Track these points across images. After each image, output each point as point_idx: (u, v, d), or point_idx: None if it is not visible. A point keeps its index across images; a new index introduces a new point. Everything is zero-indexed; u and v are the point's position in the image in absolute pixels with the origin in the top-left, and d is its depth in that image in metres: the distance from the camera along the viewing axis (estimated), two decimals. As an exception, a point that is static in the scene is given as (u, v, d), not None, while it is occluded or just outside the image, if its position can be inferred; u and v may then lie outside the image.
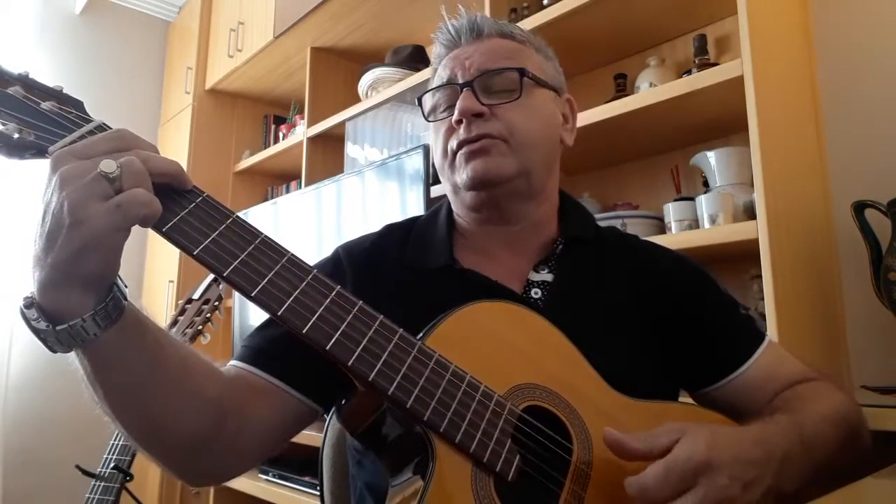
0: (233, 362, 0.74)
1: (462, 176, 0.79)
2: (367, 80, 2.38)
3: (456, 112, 0.79)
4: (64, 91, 0.62)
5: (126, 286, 0.56)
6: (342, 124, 2.48)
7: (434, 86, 0.85)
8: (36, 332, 0.52)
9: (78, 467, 1.54)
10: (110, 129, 0.58)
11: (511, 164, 0.78)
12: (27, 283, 0.53)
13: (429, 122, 0.86)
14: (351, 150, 2.46)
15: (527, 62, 0.83)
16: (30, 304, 0.52)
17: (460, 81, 0.81)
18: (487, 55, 0.82)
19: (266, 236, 0.59)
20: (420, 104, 0.87)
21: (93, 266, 0.51)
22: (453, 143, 0.80)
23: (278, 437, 0.73)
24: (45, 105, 0.58)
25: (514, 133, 0.79)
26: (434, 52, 0.89)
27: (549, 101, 0.85)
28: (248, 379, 0.71)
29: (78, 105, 0.62)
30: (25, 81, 0.60)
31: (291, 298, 0.57)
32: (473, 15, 0.87)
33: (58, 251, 0.50)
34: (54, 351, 0.53)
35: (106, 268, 0.52)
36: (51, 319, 0.52)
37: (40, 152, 0.56)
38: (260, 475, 2.10)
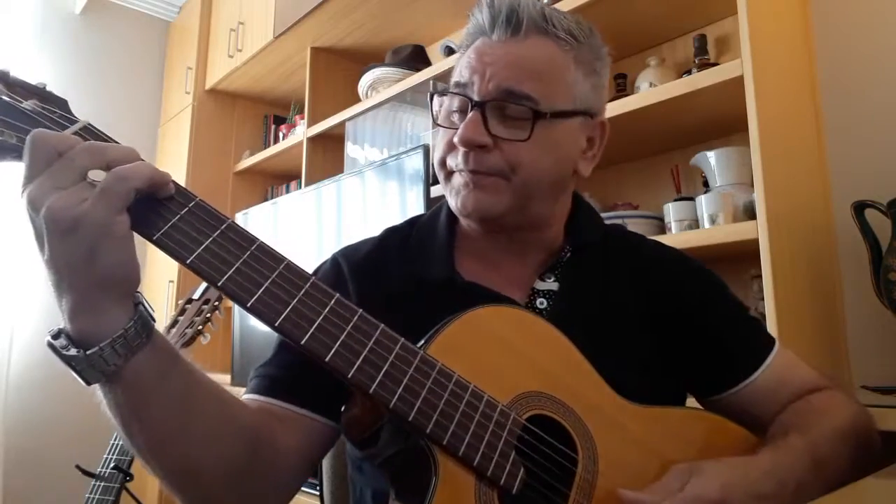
0: (249, 395, 0.72)
1: (455, 201, 0.75)
2: (367, 80, 2.38)
3: (457, 136, 0.72)
4: (47, 88, 0.59)
5: (153, 310, 0.55)
6: (342, 124, 2.48)
7: (454, 77, 0.77)
8: (68, 360, 0.50)
9: (78, 467, 1.54)
10: (97, 130, 0.56)
11: (504, 201, 0.73)
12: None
13: (435, 123, 0.79)
14: (351, 150, 2.46)
15: (555, 84, 0.73)
16: (57, 334, 0.51)
17: (475, 97, 0.72)
18: (513, 68, 0.71)
19: (262, 242, 0.57)
20: (430, 102, 0.80)
21: (109, 261, 0.49)
22: (452, 163, 0.75)
23: (309, 461, 0.72)
24: (27, 104, 0.55)
25: (517, 171, 0.72)
26: (465, 29, 0.79)
27: (570, 130, 0.75)
28: (270, 410, 0.70)
29: (61, 104, 0.58)
30: (6, 79, 0.56)
31: (289, 308, 0.55)
32: (516, 1, 0.74)
33: (69, 269, 0.49)
34: (88, 382, 0.52)
35: (123, 262, 0.50)
36: (83, 347, 0.50)
37: (21, 155, 0.52)
38: (260, 475, 2.10)
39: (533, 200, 0.75)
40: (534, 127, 0.71)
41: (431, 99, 0.80)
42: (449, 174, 0.76)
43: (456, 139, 0.72)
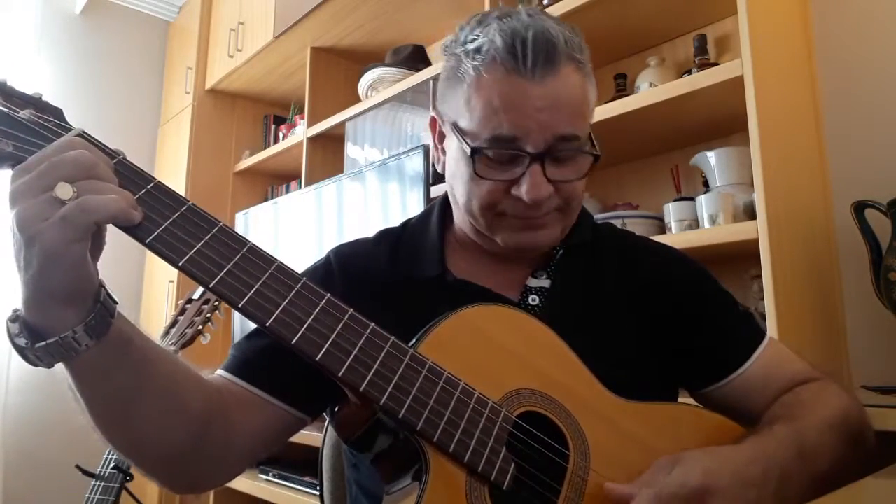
0: (219, 372, 0.74)
1: (507, 239, 0.75)
2: (367, 80, 2.38)
3: (525, 195, 0.70)
4: (43, 98, 0.60)
5: (116, 302, 0.55)
6: (342, 124, 2.48)
7: (489, 124, 0.70)
8: (16, 347, 0.52)
9: (78, 467, 1.54)
10: (90, 137, 0.56)
11: (559, 231, 0.77)
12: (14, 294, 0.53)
13: (478, 176, 0.72)
14: (351, 150, 2.46)
15: (588, 112, 0.75)
16: (14, 318, 0.52)
17: (531, 150, 0.69)
18: (561, 112, 0.70)
19: (253, 244, 0.58)
20: (472, 159, 0.71)
21: (58, 282, 0.50)
22: (506, 209, 0.73)
23: (265, 445, 0.73)
24: (23, 113, 0.56)
25: (570, 203, 0.75)
26: (483, 48, 0.70)
27: None
28: (233, 390, 0.71)
29: (57, 113, 0.60)
30: (3, 89, 0.58)
31: (279, 309, 0.56)
32: (542, 26, 0.69)
33: (24, 270, 0.50)
34: (36, 365, 0.53)
35: (73, 281, 0.51)
36: (37, 334, 0.51)
37: (19, 163, 0.53)
38: (260, 475, 2.10)
39: (572, 222, 0.79)
40: (592, 167, 0.75)
41: (473, 155, 0.71)
42: (499, 217, 0.74)
43: (527, 198, 0.70)
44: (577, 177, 0.73)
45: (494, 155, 0.71)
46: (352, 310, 0.60)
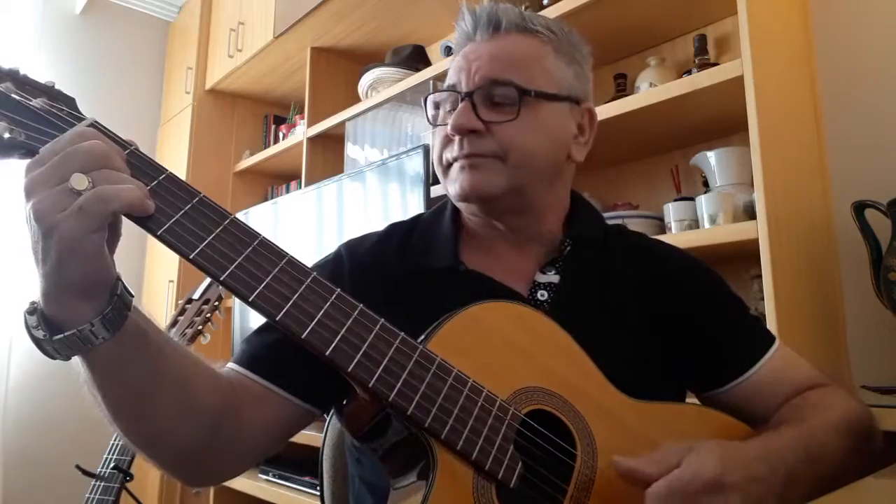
0: (231, 365, 0.74)
1: (454, 187, 0.78)
2: (367, 80, 2.38)
3: (449, 126, 0.77)
4: (56, 87, 0.59)
5: (132, 295, 0.55)
6: (342, 124, 2.48)
7: (446, 83, 0.82)
8: (34, 339, 0.52)
9: (78, 467, 1.54)
10: (102, 127, 0.56)
11: (501, 181, 0.76)
12: (30, 288, 0.53)
13: (432, 124, 0.82)
14: (351, 150, 2.46)
15: (537, 71, 0.78)
16: (32, 310, 0.52)
17: (463, 89, 0.78)
18: (495, 61, 0.77)
19: (264, 238, 0.57)
20: (424, 106, 0.84)
21: (76, 273, 0.50)
22: (448, 155, 0.79)
23: (276, 439, 0.73)
24: (36, 102, 0.56)
25: (511, 151, 0.76)
26: (454, 37, 0.85)
27: (558, 114, 0.79)
28: (245, 384, 0.71)
29: (70, 102, 0.59)
30: (16, 77, 0.57)
31: (290, 303, 0.56)
32: (495, 5, 0.81)
33: (42, 263, 0.50)
34: (53, 358, 0.53)
35: (91, 273, 0.51)
36: (54, 327, 0.52)
37: (30, 153, 0.53)
38: (260, 475, 2.10)
39: (529, 182, 0.78)
40: (520, 105, 0.75)
41: (426, 102, 0.83)
42: (447, 167, 0.80)
43: (449, 128, 0.77)
44: (509, 118, 0.75)
45: (440, 101, 0.82)
46: (361, 305, 0.59)
